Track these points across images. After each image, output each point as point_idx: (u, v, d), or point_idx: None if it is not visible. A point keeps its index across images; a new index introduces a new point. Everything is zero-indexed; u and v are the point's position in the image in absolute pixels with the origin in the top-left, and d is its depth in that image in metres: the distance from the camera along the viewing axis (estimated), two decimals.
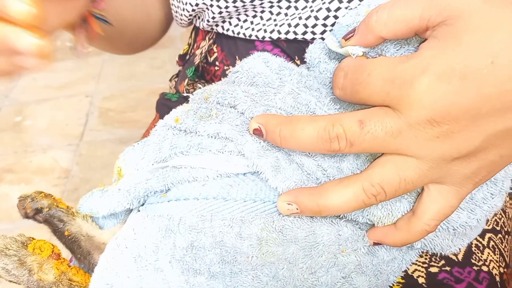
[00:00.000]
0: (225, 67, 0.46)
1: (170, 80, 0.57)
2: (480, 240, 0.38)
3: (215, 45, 0.47)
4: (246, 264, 0.27)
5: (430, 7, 0.23)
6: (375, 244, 0.28)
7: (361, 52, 0.27)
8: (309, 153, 0.27)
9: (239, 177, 0.29)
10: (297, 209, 0.26)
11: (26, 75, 1.69)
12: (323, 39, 0.32)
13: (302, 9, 0.39)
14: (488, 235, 0.39)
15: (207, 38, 0.48)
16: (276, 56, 0.34)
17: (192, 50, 0.52)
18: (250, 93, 0.30)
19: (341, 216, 0.27)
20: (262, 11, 0.40)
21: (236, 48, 0.44)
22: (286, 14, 0.40)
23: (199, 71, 0.50)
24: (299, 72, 0.32)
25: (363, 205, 0.25)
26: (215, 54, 0.47)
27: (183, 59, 0.54)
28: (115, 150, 1.29)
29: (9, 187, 1.20)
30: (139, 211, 0.33)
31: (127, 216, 0.38)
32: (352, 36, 0.28)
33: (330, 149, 0.24)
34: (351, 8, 0.36)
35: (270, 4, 0.39)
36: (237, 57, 0.44)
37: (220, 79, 0.47)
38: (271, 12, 0.40)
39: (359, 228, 0.28)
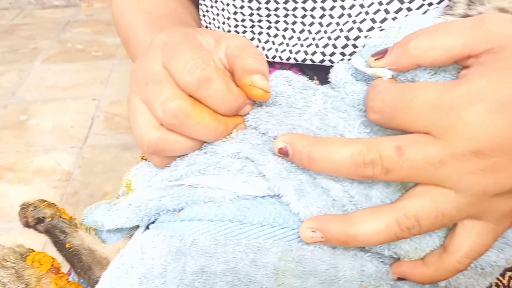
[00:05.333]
0: None
1: None
2: (500, 278, 0.36)
3: None
4: None
5: (475, 36, 0.22)
6: (399, 279, 0.26)
7: (390, 75, 0.26)
8: (336, 178, 0.25)
9: (257, 200, 0.27)
10: (321, 237, 0.24)
11: (34, 74, 1.69)
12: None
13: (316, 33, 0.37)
14: (508, 273, 0.37)
15: None
16: (298, 75, 0.33)
17: None
18: (273, 113, 0.29)
19: (366, 249, 0.25)
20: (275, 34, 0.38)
21: None
22: (299, 39, 0.37)
23: None
24: (324, 92, 0.30)
25: (395, 238, 0.23)
26: None
27: None
28: (118, 155, 1.27)
29: (8, 186, 1.18)
30: (147, 228, 0.31)
31: (131, 231, 0.36)
32: (382, 56, 0.26)
33: (363, 175, 0.23)
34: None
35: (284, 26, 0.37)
36: None
37: None
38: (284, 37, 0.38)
39: (382, 262, 0.26)
